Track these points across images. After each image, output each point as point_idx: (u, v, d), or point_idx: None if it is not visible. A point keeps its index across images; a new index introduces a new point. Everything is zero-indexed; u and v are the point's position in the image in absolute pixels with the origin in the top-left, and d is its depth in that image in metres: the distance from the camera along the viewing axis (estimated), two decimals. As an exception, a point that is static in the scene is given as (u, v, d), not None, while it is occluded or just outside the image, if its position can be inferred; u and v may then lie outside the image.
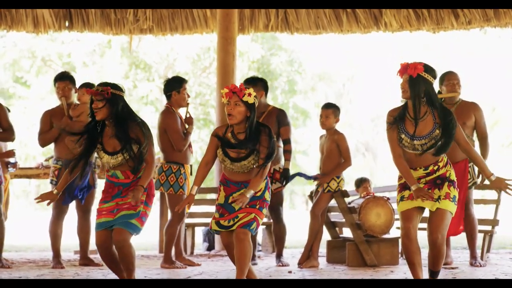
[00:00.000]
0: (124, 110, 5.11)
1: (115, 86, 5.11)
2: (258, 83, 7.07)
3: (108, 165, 5.12)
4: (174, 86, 6.94)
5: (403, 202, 4.90)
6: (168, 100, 6.97)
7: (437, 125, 4.82)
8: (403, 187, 4.94)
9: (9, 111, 7.12)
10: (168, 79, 7.03)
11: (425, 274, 5.23)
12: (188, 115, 7.01)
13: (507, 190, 4.88)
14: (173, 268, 6.85)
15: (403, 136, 4.86)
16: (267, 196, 5.05)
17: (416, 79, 4.81)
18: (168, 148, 6.86)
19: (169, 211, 7.24)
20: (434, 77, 4.87)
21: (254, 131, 4.97)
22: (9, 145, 7.63)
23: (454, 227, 6.75)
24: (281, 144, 7.02)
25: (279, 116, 7.04)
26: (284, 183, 7.00)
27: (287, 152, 6.98)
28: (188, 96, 7.03)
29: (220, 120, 8.78)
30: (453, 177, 4.90)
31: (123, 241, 5.00)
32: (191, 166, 7.05)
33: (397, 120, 4.89)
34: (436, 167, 4.88)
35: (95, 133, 5.13)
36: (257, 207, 4.98)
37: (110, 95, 5.05)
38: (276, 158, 6.96)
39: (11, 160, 7.51)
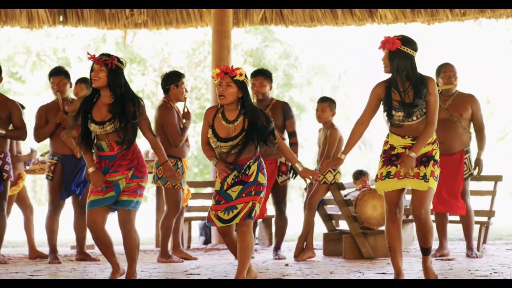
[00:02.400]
0: (124, 84, 5.15)
1: (118, 59, 5.15)
2: (267, 77, 7.06)
3: (95, 134, 5.14)
4: (173, 80, 6.93)
5: (390, 180, 4.95)
6: (166, 94, 6.95)
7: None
8: (388, 159, 4.96)
9: (23, 107, 7.13)
10: (166, 73, 7.01)
11: (418, 262, 5.23)
12: (186, 110, 6.99)
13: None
14: (169, 262, 6.84)
15: (390, 108, 4.90)
16: (261, 178, 5.00)
17: (395, 53, 4.89)
18: (165, 142, 6.83)
19: (165, 205, 7.22)
20: (415, 50, 4.92)
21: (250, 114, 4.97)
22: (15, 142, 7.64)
23: (455, 207, 6.81)
24: (286, 137, 7.02)
25: (284, 109, 7.03)
26: (293, 176, 6.98)
27: (294, 145, 6.97)
28: (186, 91, 7.02)
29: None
30: (437, 156, 4.99)
31: (130, 225, 5.11)
32: (187, 159, 7.05)
33: (384, 95, 4.94)
34: None
35: (89, 103, 5.16)
36: (253, 193, 4.95)
37: (114, 66, 5.08)
38: None
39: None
